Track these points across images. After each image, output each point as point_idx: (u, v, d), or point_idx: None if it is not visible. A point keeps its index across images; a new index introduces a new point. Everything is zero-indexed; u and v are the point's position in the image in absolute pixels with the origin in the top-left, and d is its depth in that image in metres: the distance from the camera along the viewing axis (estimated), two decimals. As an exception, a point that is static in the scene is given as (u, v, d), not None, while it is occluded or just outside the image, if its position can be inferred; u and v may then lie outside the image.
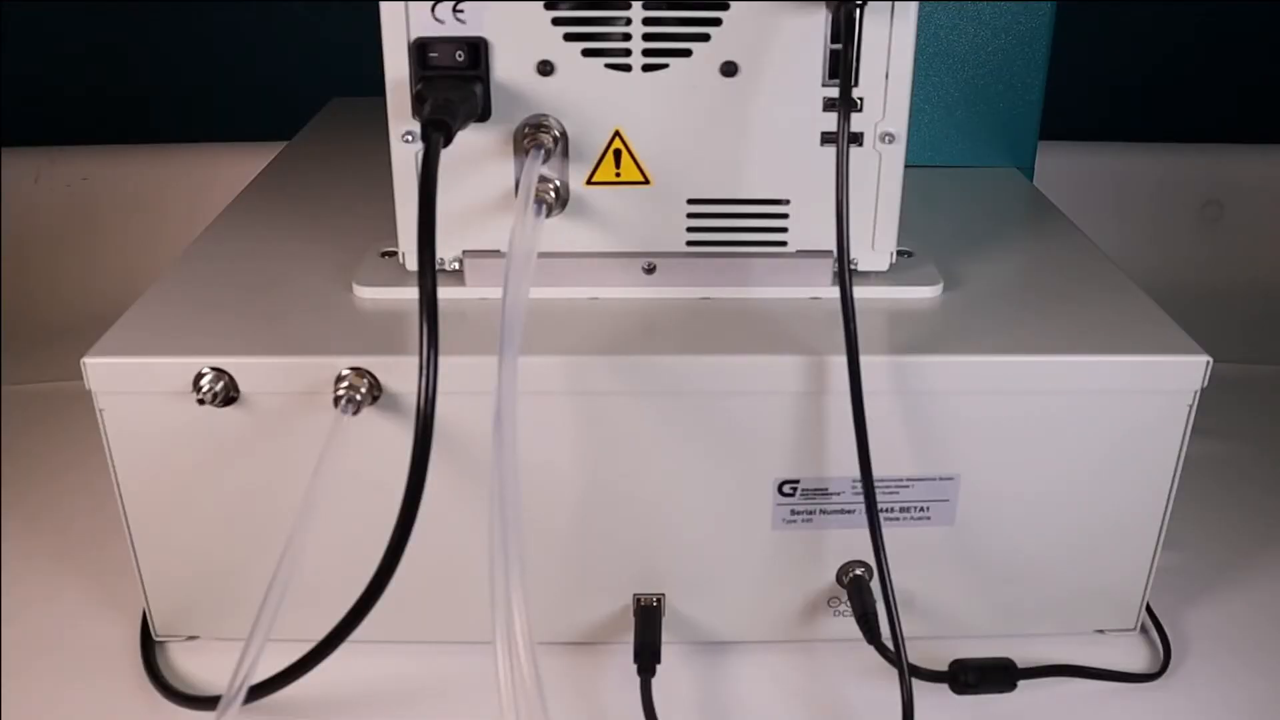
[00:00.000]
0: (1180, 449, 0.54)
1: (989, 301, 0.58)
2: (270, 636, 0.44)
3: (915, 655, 0.53)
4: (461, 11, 0.51)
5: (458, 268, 0.57)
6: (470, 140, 0.53)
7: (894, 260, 0.58)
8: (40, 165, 1.04)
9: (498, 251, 0.56)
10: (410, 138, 0.53)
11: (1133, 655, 0.59)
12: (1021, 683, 0.55)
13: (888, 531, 0.52)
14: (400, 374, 0.51)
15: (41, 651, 0.58)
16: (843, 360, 0.50)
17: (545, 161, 0.52)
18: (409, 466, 0.46)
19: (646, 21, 0.52)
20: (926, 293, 0.58)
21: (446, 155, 0.48)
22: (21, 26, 1.08)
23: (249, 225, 0.68)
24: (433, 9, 0.51)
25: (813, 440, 0.53)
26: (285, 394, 0.51)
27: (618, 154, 0.54)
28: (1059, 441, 0.54)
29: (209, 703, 0.54)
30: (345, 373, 0.51)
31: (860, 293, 0.54)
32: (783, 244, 0.57)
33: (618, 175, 0.55)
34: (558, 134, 0.53)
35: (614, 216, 0.56)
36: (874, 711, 0.55)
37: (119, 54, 1.10)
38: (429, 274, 0.45)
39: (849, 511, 0.55)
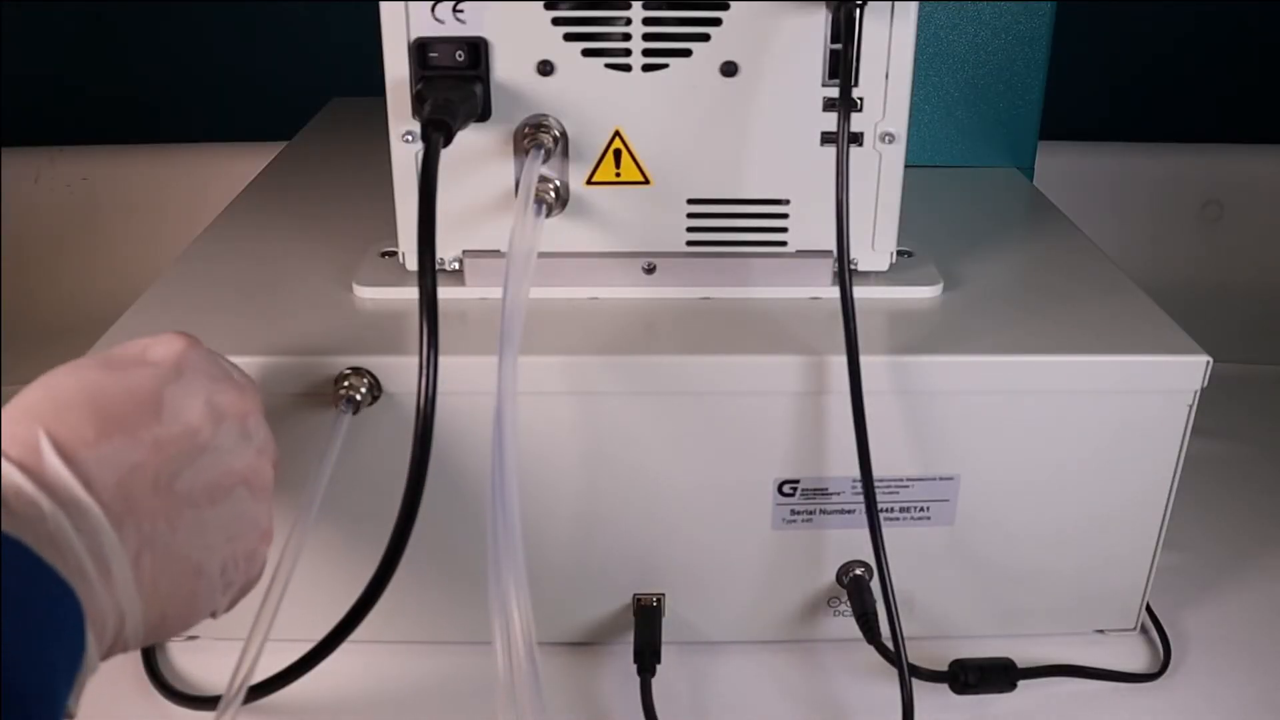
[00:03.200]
0: (1180, 449, 0.54)
1: (989, 301, 0.58)
2: (270, 636, 0.44)
3: (915, 655, 0.53)
4: (461, 11, 0.51)
5: (458, 268, 0.57)
6: (470, 140, 0.53)
7: (894, 260, 0.58)
8: (40, 165, 1.04)
9: (498, 251, 0.56)
10: (410, 138, 0.53)
11: (1133, 655, 0.59)
12: (1021, 683, 0.55)
13: (888, 531, 0.52)
14: (400, 374, 0.51)
15: (41, 651, 0.58)
16: (843, 360, 0.50)
17: (545, 161, 0.52)
18: (409, 466, 0.46)
19: (646, 21, 0.52)
20: (926, 293, 0.58)
21: (446, 155, 0.48)
22: (21, 26, 1.08)
23: (249, 225, 0.68)
24: (433, 9, 0.51)
25: (813, 440, 0.53)
26: (285, 394, 0.51)
27: (618, 154, 0.54)
28: (1059, 441, 0.54)
29: (209, 703, 0.54)
30: (345, 373, 0.51)
31: (860, 293, 0.54)
32: (783, 244, 0.57)
33: (618, 175, 0.55)
34: (558, 134, 0.53)
35: (614, 216, 0.56)
36: (874, 711, 0.55)
37: (120, 54, 1.11)
38: (429, 274, 0.45)
39: (849, 511, 0.55)
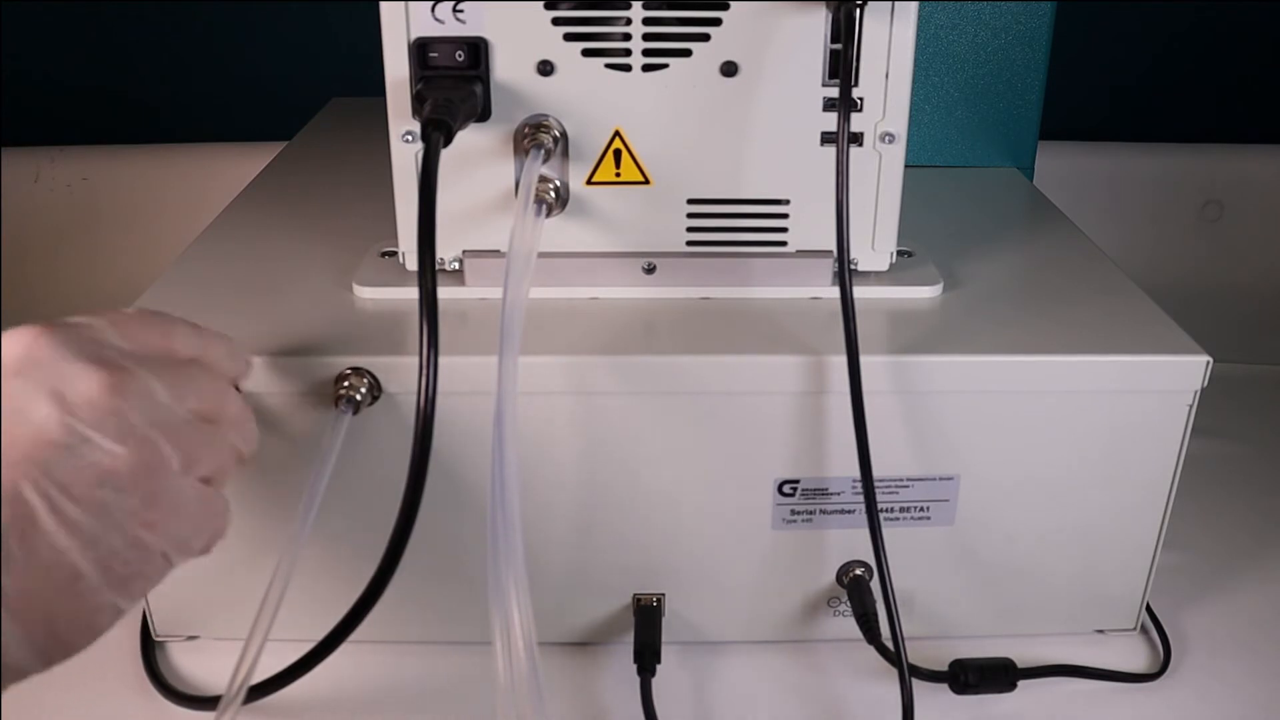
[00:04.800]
0: (1180, 449, 0.54)
1: (989, 301, 0.58)
2: (270, 636, 0.44)
3: (915, 655, 0.53)
4: (461, 11, 0.51)
5: (458, 268, 0.57)
6: (470, 140, 0.53)
7: (894, 260, 0.58)
8: (40, 165, 1.04)
9: (498, 251, 0.56)
10: (410, 138, 0.53)
11: (1133, 655, 0.59)
12: (1021, 683, 0.55)
13: (888, 531, 0.52)
14: (400, 374, 0.51)
15: (41, 651, 0.58)
16: (843, 360, 0.50)
17: (545, 161, 0.52)
18: (409, 466, 0.46)
19: (646, 21, 0.52)
20: (926, 293, 0.58)
21: (446, 155, 0.48)
22: (21, 26, 1.08)
23: (249, 225, 0.68)
24: (433, 9, 0.51)
25: (813, 440, 0.53)
26: (285, 394, 0.51)
27: (618, 154, 0.54)
28: (1059, 441, 0.54)
29: (209, 703, 0.54)
30: (345, 373, 0.51)
31: (860, 293, 0.54)
32: (783, 244, 0.57)
33: (618, 175, 0.55)
34: (558, 134, 0.53)
35: (614, 216, 0.56)
36: (874, 711, 0.55)
37: (119, 54, 1.10)
38: (429, 274, 0.45)
39: (849, 511, 0.55)
